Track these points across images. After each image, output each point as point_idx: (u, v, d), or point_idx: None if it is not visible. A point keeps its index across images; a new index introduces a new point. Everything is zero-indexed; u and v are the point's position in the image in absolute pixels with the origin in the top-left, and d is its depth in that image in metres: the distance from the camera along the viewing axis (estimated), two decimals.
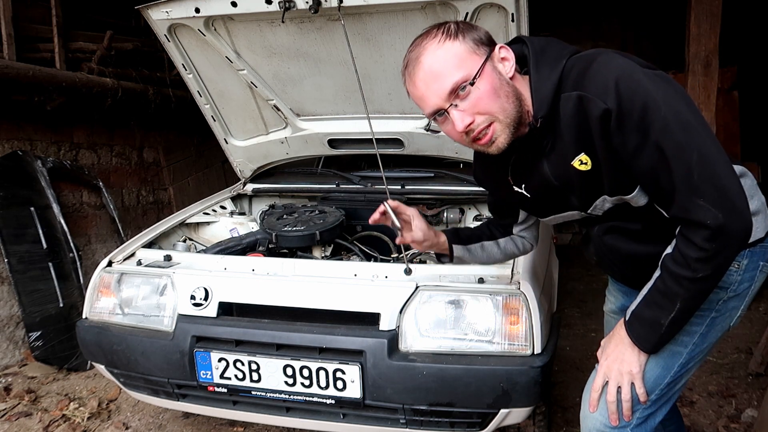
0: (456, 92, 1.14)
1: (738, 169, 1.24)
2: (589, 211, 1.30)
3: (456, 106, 1.16)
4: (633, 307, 1.24)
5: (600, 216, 1.30)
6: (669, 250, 1.16)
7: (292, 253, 2.33)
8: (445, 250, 1.58)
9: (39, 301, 3.18)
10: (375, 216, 1.49)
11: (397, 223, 1.48)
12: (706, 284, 1.13)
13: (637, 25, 6.10)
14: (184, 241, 2.49)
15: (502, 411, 1.68)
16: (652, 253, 1.22)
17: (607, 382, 1.27)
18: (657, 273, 1.18)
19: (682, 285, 1.12)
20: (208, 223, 2.63)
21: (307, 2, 1.91)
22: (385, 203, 1.48)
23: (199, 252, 2.37)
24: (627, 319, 1.25)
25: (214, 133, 2.78)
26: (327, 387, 1.72)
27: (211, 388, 1.83)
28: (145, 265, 2.04)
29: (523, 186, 1.35)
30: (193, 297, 1.86)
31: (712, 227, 1.05)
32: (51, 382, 3.03)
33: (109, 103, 3.78)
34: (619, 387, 1.25)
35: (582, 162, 1.17)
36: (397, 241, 1.53)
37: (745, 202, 1.07)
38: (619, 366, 1.25)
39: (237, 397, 1.84)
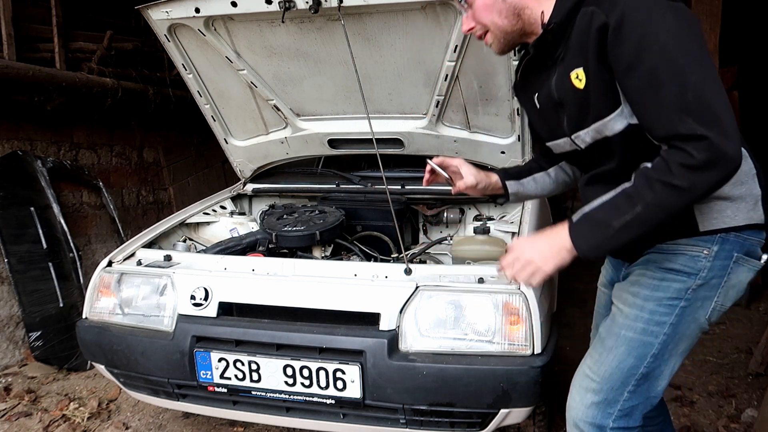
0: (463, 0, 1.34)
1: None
2: (572, 138, 1.32)
3: (466, 9, 1.36)
4: (586, 209, 1.21)
5: (582, 151, 1.32)
6: (648, 164, 1.14)
7: (292, 253, 2.33)
8: (499, 190, 1.61)
9: (39, 301, 3.17)
10: (426, 177, 1.61)
11: (446, 175, 1.56)
12: (675, 197, 1.09)
13: None
14: (184, 241, 2.49)
15: (502, 411, 1.68)
16: None
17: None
18: (625, 184, 1.16)
19: (654, 188, 1.10)
20: (208, 223, 2.63)
21: (307, 2, 1.91)
22: (429, 161, 1.57)
23: (199, 252, 2.37)
24: (575, 220, 1.21)
25: (214, 133, 2.78)
26: (327, 387, 1.72)
27: (211, 388, 1.83)
28: (145, 265, 2.04)
29: (536, 95, 1.40)
30: (193, 297, 1.86)
31: (705, 138, 1.03)
32: (51, 382, 3.03)
33: (109, 103, 3.78)
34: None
35: (578, 77, 1.20)
36: (453, 191, 1.60)
37: (737, 135, 1.05)
38: (536, 254, 1.23)
39: (237, 397, 1.84)
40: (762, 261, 1.28)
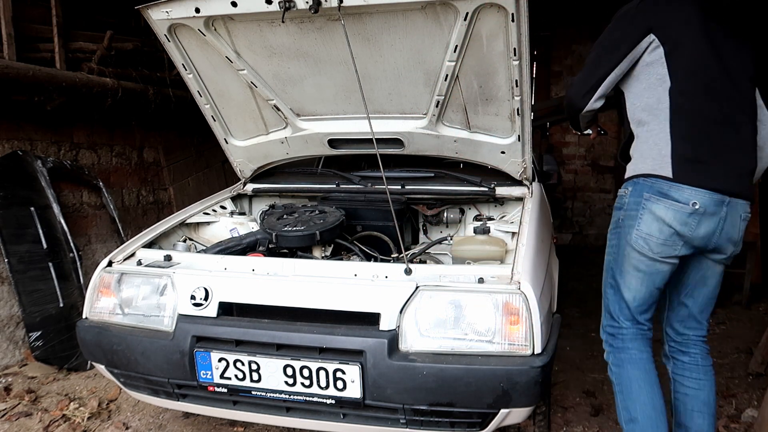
0: None
1: (640, 125, 1.81)
2: None
3: None
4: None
5: None
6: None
7: (292, 253, 2.33)
8: None
9: (39, 301, 3.18)
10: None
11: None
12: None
13: None
14: (184, 241, 2.49)
15: (502, 411, 1.68)
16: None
17: None
18: None
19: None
20: (208, 223, 2.63)
21: (307, 2, 1.91)
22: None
23: (199, 252, 2.37)
24: None
25: (214, 133, 2.78)
26: (327, 387, 1.72)
27: (211, 388, 1.83)
28: (145, 265, 2.04)
29: None
30: (193, 297, 1.86)
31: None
32: (51, 382, 3.03)
33: (109, 103, 3.78)
34: None
35: None
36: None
37: (578, 91, 1.87)
38: None
39: (237, 397, 1.84)
40: (689, 205, 1.68)
